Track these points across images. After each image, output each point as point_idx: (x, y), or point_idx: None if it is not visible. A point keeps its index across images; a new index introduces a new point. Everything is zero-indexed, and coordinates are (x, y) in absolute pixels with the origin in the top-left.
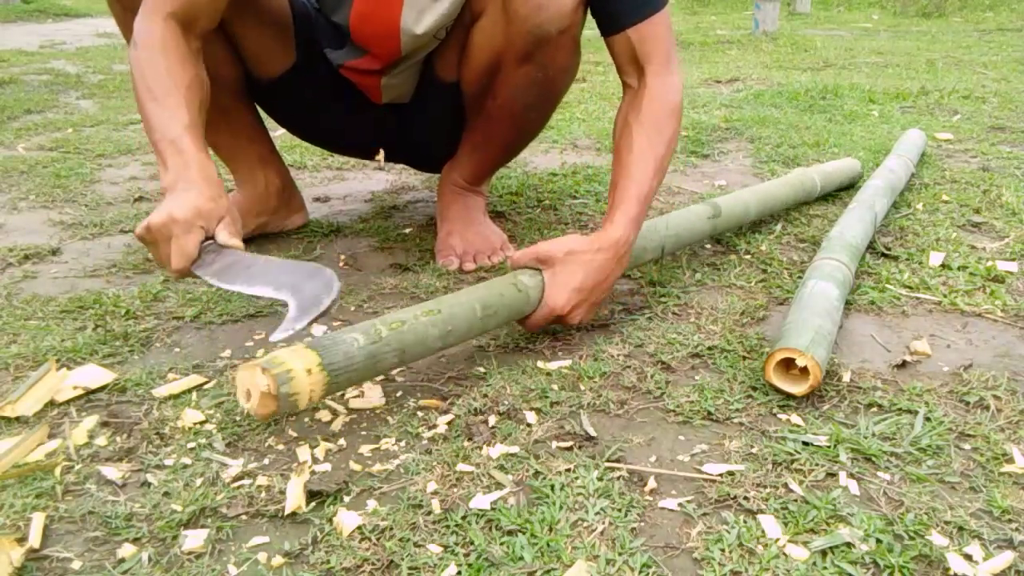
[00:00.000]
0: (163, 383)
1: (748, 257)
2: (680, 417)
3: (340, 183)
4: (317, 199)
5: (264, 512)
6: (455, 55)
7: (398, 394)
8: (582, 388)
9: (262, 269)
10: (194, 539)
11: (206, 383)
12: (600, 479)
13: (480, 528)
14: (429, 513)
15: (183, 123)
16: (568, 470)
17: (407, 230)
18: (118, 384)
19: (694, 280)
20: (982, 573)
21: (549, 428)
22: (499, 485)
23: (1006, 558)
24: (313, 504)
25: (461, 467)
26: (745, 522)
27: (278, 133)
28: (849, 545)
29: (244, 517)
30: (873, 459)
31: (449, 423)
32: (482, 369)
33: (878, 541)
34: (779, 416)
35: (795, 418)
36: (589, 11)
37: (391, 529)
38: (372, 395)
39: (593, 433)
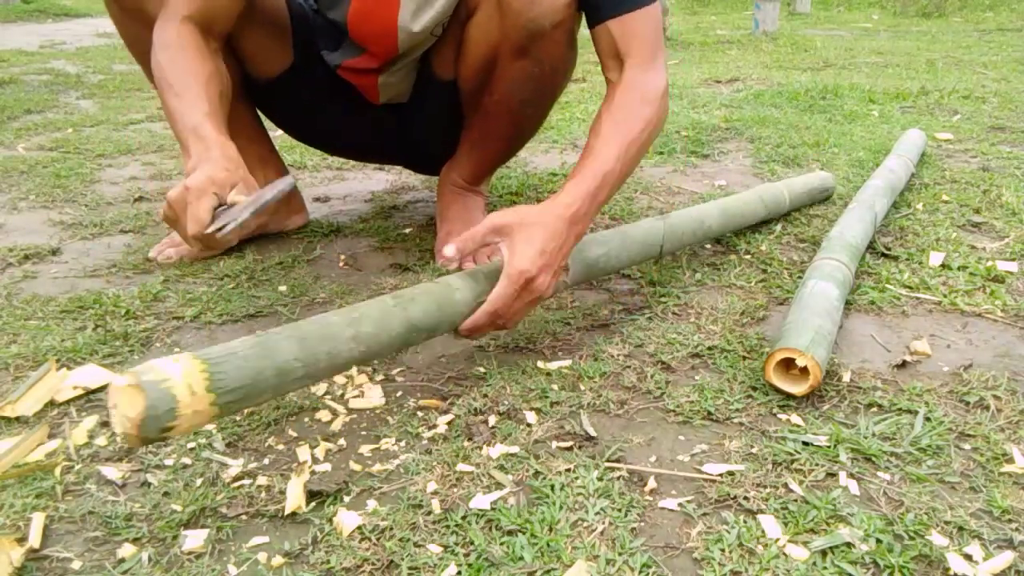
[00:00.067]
0: None
1: (748, 257)
2: (680, 417)
3: (340, 183)
4: (317, 199)
5: (264, 512)
6: (452, 52)
7: (398, 394)
8: (582, 388)
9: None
10: (194, 539)
11: None
12: (600, 479)
13: (480, 528)
14: (429, 513)
15: (203, 111)
16: (568, 470)
17: (407, 230)
18: None
19: (694, 280)
20: (982, 573)
21: (549, 428)
22: (499, 485)
23: (1006, 558)
24: (313, 504)
25: (461, 467)
26: (745, 522)
27: (277, 134)
28: (849, 545)
29: (244, 517)
30: (873, 459)
31: (449, 423)
32: (482, 369)
33: (878, 541)
34: (779, 416)
35: (795, 418)
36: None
37: (391, 529)
38: (372, 395)
39: (593, 433)
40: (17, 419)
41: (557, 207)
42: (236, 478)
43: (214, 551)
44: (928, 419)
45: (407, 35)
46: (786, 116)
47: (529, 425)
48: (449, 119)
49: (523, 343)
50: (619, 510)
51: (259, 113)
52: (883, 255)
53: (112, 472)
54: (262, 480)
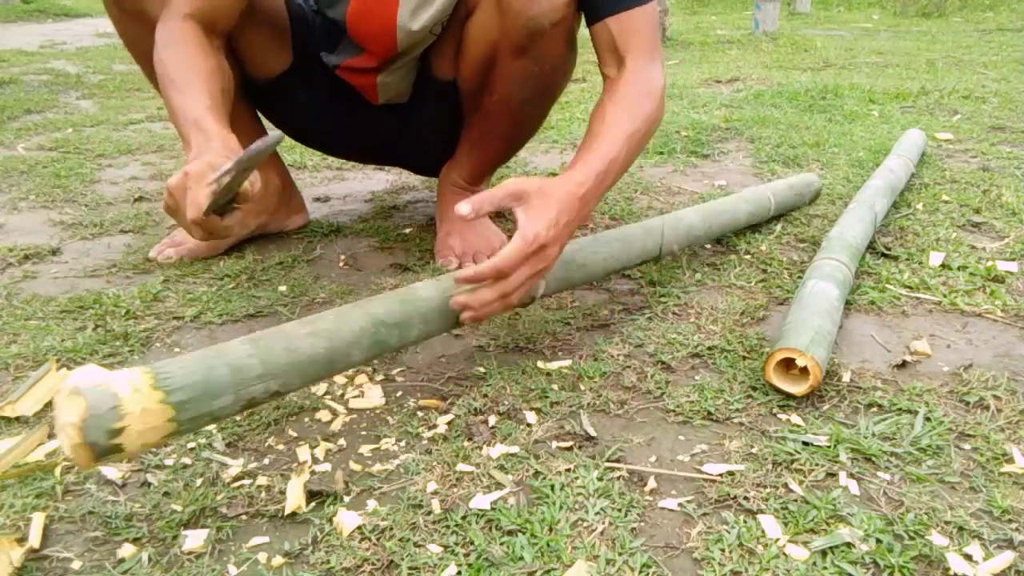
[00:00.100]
0: None
1: (748, 257)
2: (680, 417)
3: (340, 183)
4: (317, 199)
5: (264, 512)
6: (451, 52)
7: (398, 394)
8: (582, 388)
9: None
10: (194, 539)
11: None
12: (600, 479)
13: (480, 528)
14: (429, 513)
15: (205, 106)
16: (568, 470)
17: (407, 230)
18: None
19: (694, 280)
20: (982, 573)
21: (549, 428)
22: (499, 485)
23: (1006, 558)
24: (313, 504)
25: (461, 467)
26: (745, 522)
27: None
28: (849, 545)
29: (244, 517)
30: (873, 459)
31: (449, 423)
32: (482, 369)
33: (878, 541)
34: (779, 416)
35: (795, 418)
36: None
37: (391, 529)
38: (372, 395)
39: (593, 433)
40: (17, 419)
41: (570, 184)
42: (236, 478)
43: (214, 551)
44: (928, 419)
45: (406, 34)
46: (786, 116)
47: (529, 425)
48: (448, 120)
49: (523, 343)
50: (619, 510)
51: (259, 114)
52: (883, 255)
53: (112, 472)
54: (262, 480)
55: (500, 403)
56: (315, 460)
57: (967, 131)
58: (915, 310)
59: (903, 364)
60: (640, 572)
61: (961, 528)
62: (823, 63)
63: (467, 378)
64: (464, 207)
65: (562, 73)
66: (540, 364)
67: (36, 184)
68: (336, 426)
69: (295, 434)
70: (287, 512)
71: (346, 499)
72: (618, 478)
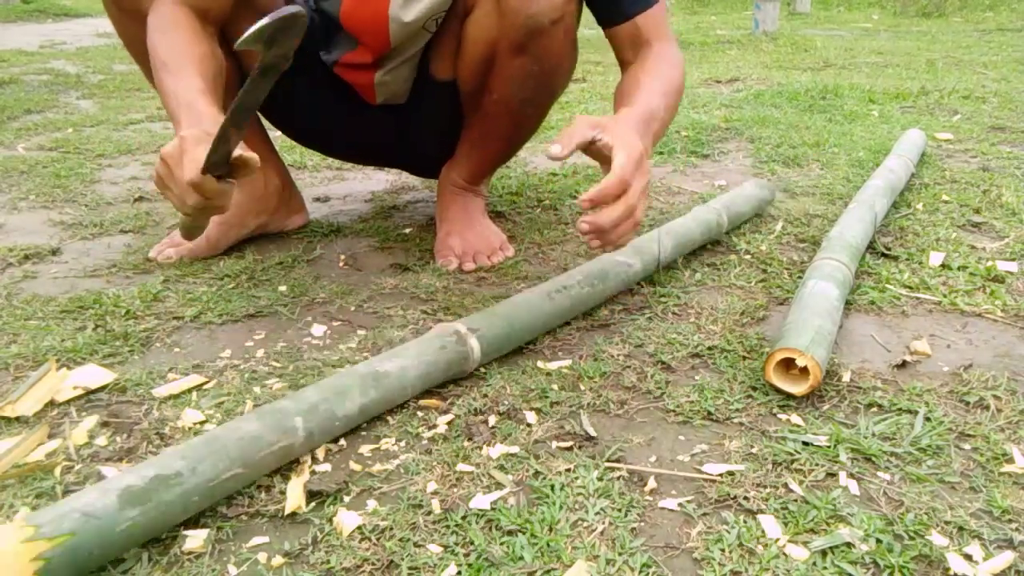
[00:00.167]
0: (163, 383)
1: (748, 257)
2: (680, 417)
3: (340, 183)
4: (317, 199)
5: (264, 512)
6: (450, 52)
7: None
8: (582, 388)
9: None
10: (194, 539)
11: (206, 383)
12: (600, 479)
13: (480, 528)
14: (429, 513)
15: (197, 88)
16: (568, 470)
17: (407, 230)
18: (118, 384)
19: (694, 280)
20: (982, 573)
21: (549, 428)
22: (499, 485)
23: (1006, 558)
24: (313, 504)
25: (461, 467)
26: (745, 522)
27: (277, 134)
28: (849, 545)
29: (244, 517)
30: (873, 459)
31: (449, 423)
32: (482, 369)
33: (878, 541)
34: (779, 416)
35: (795, 418)
36: (585, 4)
37: (391, 529)
38: None
39: (593, 433)
40: (17, 419)
41: (630, 112)
42: None
43: (214, 551)
44: (928, 419)
45: (399, 25)
46: (786, 116)
47: (529, 425)
48: (447, 120)
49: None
50: (619, 510)
51: (258, 113)
52: (883, 255)
53: (112, 472)
54: (262, 480)
55: (500, 403)
56: (315, 460)
57: (967, 131)
58: (915, 310)
59: (903, 364)
60: (640, 572)
61: (961, 528)
62: (823, 63)
63: (467, 378)
64: (555, 148)
65: (563, 72)
66: (540, 364)
67: (36, 184)
68: None
69: None
70: (287, 512)
71: (346, 499)
72: (618, 478)
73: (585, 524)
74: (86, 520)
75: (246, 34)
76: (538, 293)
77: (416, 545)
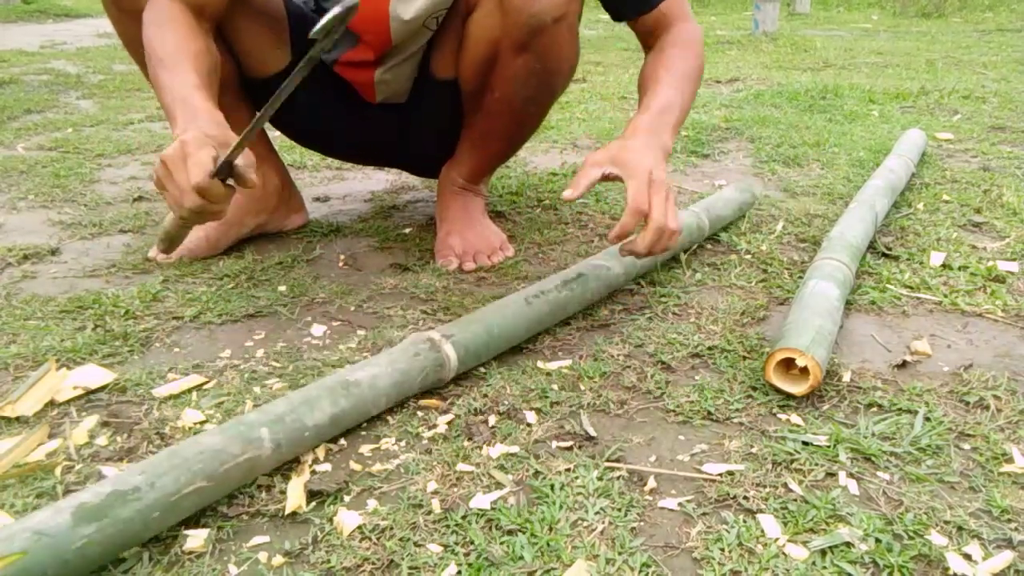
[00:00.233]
0: (163, 383)
1: (748, 257)
2: (680, 417)
3: (340, 183)
4: (317, 199)
5: (264, 512)
6: (451, 51)
7: None
8: (582, 388)
9: None
10: (194, 539)
11: (206, 383)
12: (600, 479)
13: (480, 528)
14: (429, 513)
15: (192, 84)
16: (568, 470)
17: (407, 230)
18: (118, 384)
19: (694, 280)
20: (982, 573)
21: (549, 428)
22: (499, 485)
23: (1005, 558)
24: (313, 504)
25: (461, 467)
26: (745, 522)
27: (276, 134)
28: (849, 545)
29: (244, 517)
30: (873, 459)
31: (449, 423)
32: (482, 369)
33: (877, 541)
34: (779, 416)
35: (795, 418)
36: (601, 2)
37: (391, 529)
38: None
39: (593, 433)
40: (17, 419)
41: (639, 122)
42: None
43: (214, 551)
44: (928, 419)
45: (399, 23)
46: (786, 116)
47: (529, 425)
48: (448, 120)
49: (523, 343)
50: (619, 510)
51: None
52: (884, 255)
53: (112, 472)
54: (262, 480)
55: (500, 403)
56: (315, 460)
57: (967, 131)
58: (915, 310)
59: (903, 364)
60: (640, 572)
61: (960, 528)
62: (823, 63)
63: (467, 378)
64: (567, 193)
65: (565, 70)
66: (540, 364)
67: (36, 184)
68: None
69: None
70: (287, 512)
71: (346, 499)
72: (618, 478)
73: (585, 524)
74: (38, 538)
75: (323, 21)
76: (516, 298)
77: (416, 545)
